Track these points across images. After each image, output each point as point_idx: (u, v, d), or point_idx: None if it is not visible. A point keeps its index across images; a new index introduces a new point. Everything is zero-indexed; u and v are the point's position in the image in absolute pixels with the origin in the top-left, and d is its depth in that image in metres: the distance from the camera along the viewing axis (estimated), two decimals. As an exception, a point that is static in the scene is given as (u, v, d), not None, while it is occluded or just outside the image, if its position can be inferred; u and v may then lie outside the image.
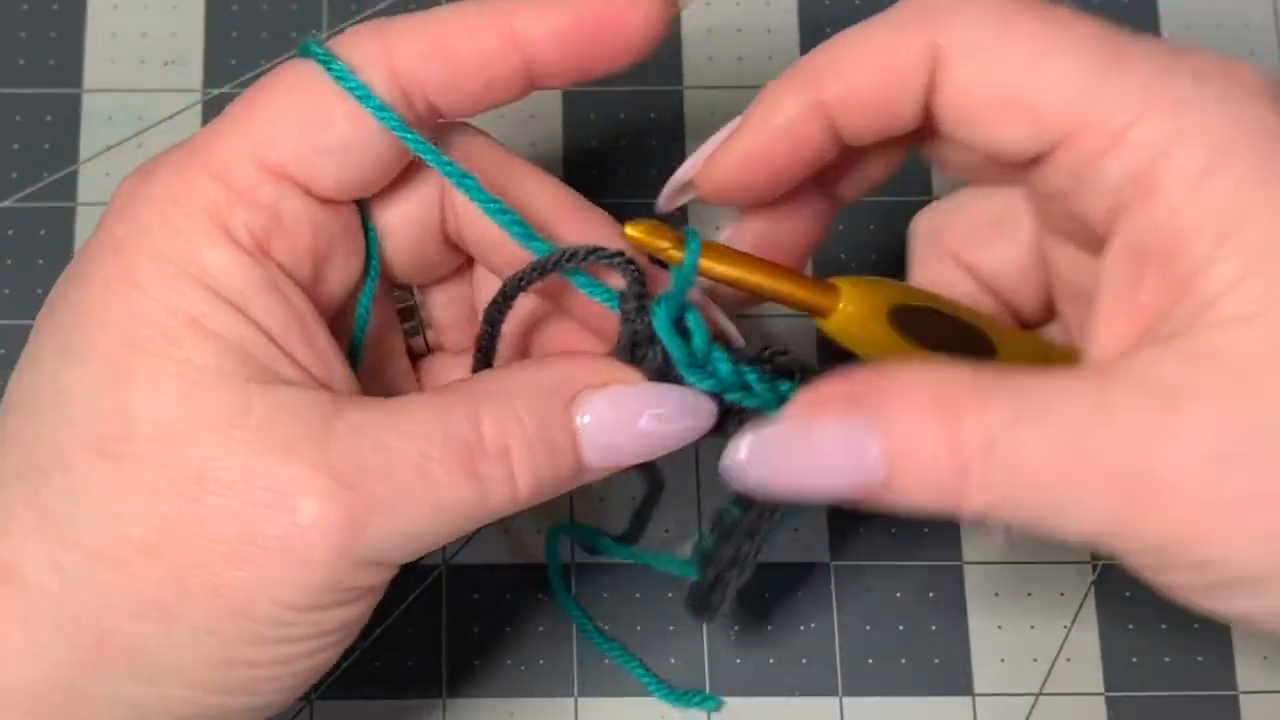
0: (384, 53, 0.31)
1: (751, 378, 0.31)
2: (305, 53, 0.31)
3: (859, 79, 0.30)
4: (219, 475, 0.29)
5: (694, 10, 0.47)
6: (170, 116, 0.46)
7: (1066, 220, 0.32)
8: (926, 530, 0.43)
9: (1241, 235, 0.28)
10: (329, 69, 0.30)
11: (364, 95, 0.30)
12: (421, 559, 0.31)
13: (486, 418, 0.30)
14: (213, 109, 0.46)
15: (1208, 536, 0.28)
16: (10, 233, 0.45)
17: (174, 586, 0.29)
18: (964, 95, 0.30)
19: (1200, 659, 0.43)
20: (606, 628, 0.43)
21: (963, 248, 0.36)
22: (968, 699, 0.42)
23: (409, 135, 0.31)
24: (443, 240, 0.34)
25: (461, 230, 0.33)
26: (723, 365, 0.31)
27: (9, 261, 0.45)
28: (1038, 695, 0.42)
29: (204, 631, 0.29)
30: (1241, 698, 0.42)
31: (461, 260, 0.36)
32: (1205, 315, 0.28)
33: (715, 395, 0.31)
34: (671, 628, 0.43)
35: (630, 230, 0.32)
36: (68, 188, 0.46)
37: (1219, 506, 0.27)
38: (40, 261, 0.45)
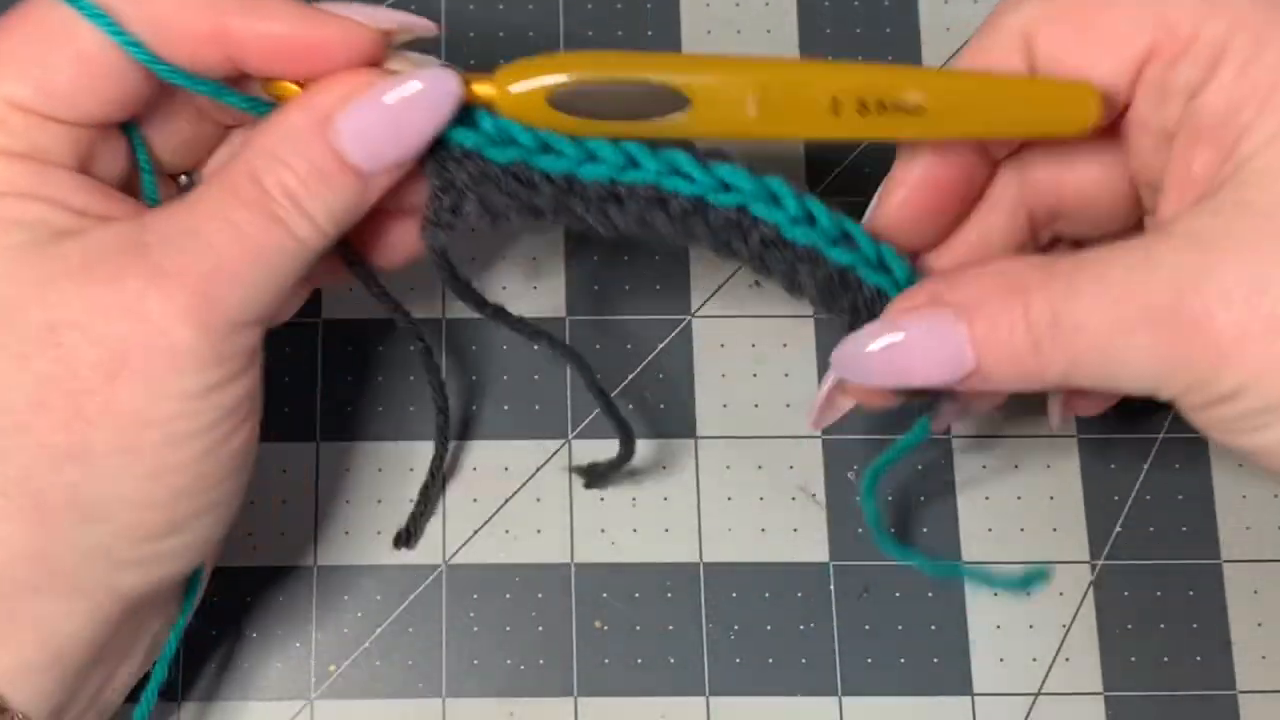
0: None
1: (853, 228, 0.36)
2: None
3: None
4: (67, 318, 0.32)
5: (694, 12, 0.48)
6: (171, 117, 0.46)
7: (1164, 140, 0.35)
8: (926, 530, 0.43)
9: (1277, 100, 0.32)
10: (76, 6, 0.33)
11: (112, 28, 0.33)
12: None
13: (264, 173, 0.33)
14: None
15: (1238, 364, 0.31)
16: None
17: (75, 425, 0.32)
18: (1059, 45, 0.34)
19: (1199, 658, 0.43)
20: (606, 628, 0.43)
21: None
22: (967, 699, 0.42)
23: (161, 66, 0.33)
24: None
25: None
26: (822, 215, 0.36)
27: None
28: (1036, 695, 0.43)
29: (121, 453, 0.32)
30: (1240, 697, 0.42)
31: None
32: (1240, 172, 0.32)
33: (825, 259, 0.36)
34: (671, 627, 0.43)
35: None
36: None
37: (1248, 336, 0.31)
38: (41, 262, 0.45)
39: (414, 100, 0.33)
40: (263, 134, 0.34)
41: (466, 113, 0.35)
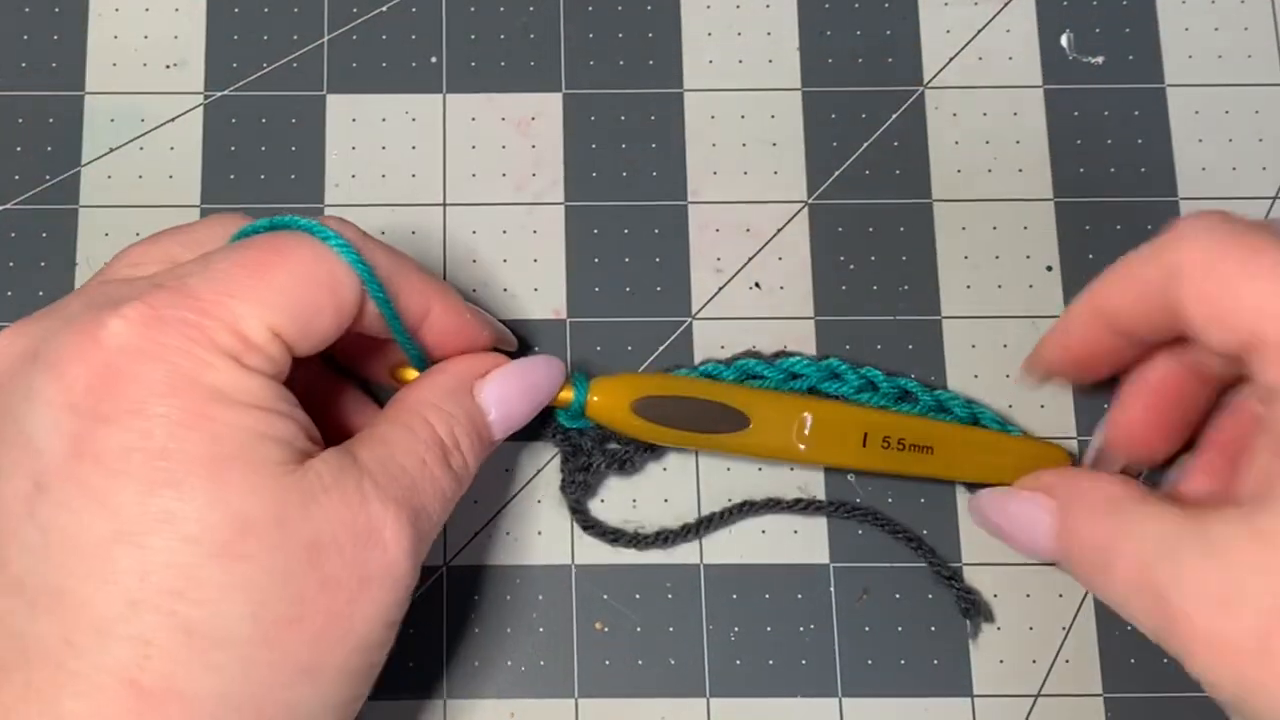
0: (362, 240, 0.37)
1: (915, 387, 0.44)
2: (306, 229, 0.36)
3: (1117, 293, 0.38)
4: (327, 538, 0.33)
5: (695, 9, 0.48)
6: (172, 119, 0.46)
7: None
8: (926, 532, 0.44)
9: None
10: (342, 252, 0.36)
11: (369, 278, 0.36)
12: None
13: (436, 422, 0.37)
14: (215, 111, 0.46)
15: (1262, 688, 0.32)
16: (12, 235, 0.45)
17: (320, 645, 0.33)
18: (1186, 305, 0.36)
19: (1199, 660, 0.43)
20: (607, 629, 0.43)
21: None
22: (966, 700, 0.42)
23: (397, 325, 0.38)
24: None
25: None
26: (882, 381, 0.44)
27: (11, 264, 0.45)
28: (1036, 697, 0.43)
29: (343, 673, 0.34)
30: (1240, 699, 0.42)
31: None
32: None
33: None
34: (671, 628, 0.43)
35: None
36: (70, 190, 0.46)
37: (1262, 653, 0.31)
38: (42, 264, 0.45)
39: (540, 370, 0.40)
40: (419, 391, 0.38)
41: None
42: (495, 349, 0.41)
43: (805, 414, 0.42)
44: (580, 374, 0.42)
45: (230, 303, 0.34)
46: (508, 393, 0.39)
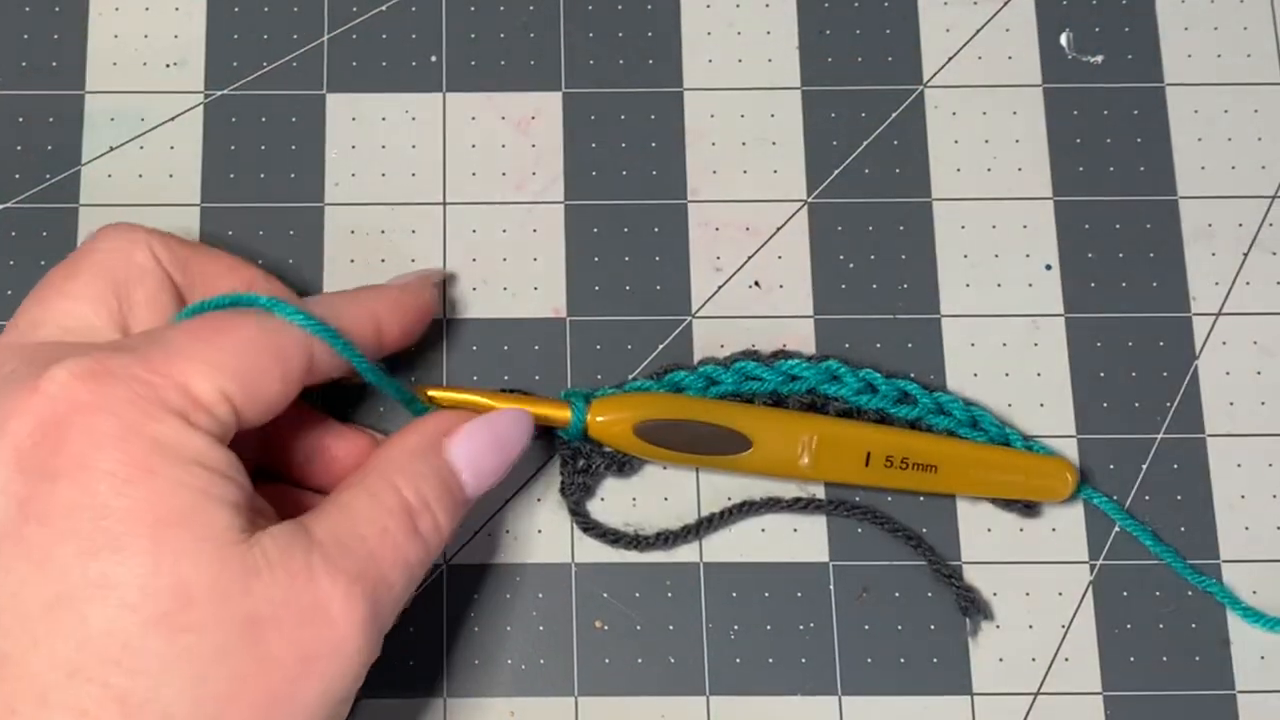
0: (307, 336, 0.37)
1: (913, 389, 0.44)
2: (249, 303, 0.36)
3: None
4: (268, 613, 0.32)
5: (695, 10, 0.48)
6: (173, 118, 0.46)
7: None
8: (925, 530, 0.44)
9: None
10: (297, 318, 0.36)
11: (334, 338, 0.37)
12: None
13: (403, 486, 0.36)
14: (215, 110, 0.46)
15: None
16: (13, 234, 0.45)
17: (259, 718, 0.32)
18: None
19: (1198, 658, 0.43)
20: (607, 628, 0.43)
21: None
22: (966, 698, 0.42)
23: (379, 377, 0.38)
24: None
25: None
26: (881, 384, 0.44)
27: (11, 262, 0.45)
28: (1036, 694, 0.43)
29: None
30: (1239, 697, 0.42)
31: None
32: None
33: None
34: (671, 626, 0.43)
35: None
36: (70, 189, 0.46)
37: None
38: (42, 263, 0.45)
39: (509, 424, 0.39)
40: (388, 453, 0.37)
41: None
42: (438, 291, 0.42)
43: (808, 435, 0.42)
44: (580, 393, 0.42)
45: (179, 362, 0.34)
46: (478, 448, 0.38)
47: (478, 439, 0.38)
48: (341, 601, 0.33)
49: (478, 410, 0.40)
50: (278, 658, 0.32)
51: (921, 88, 0.47)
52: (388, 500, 0.36)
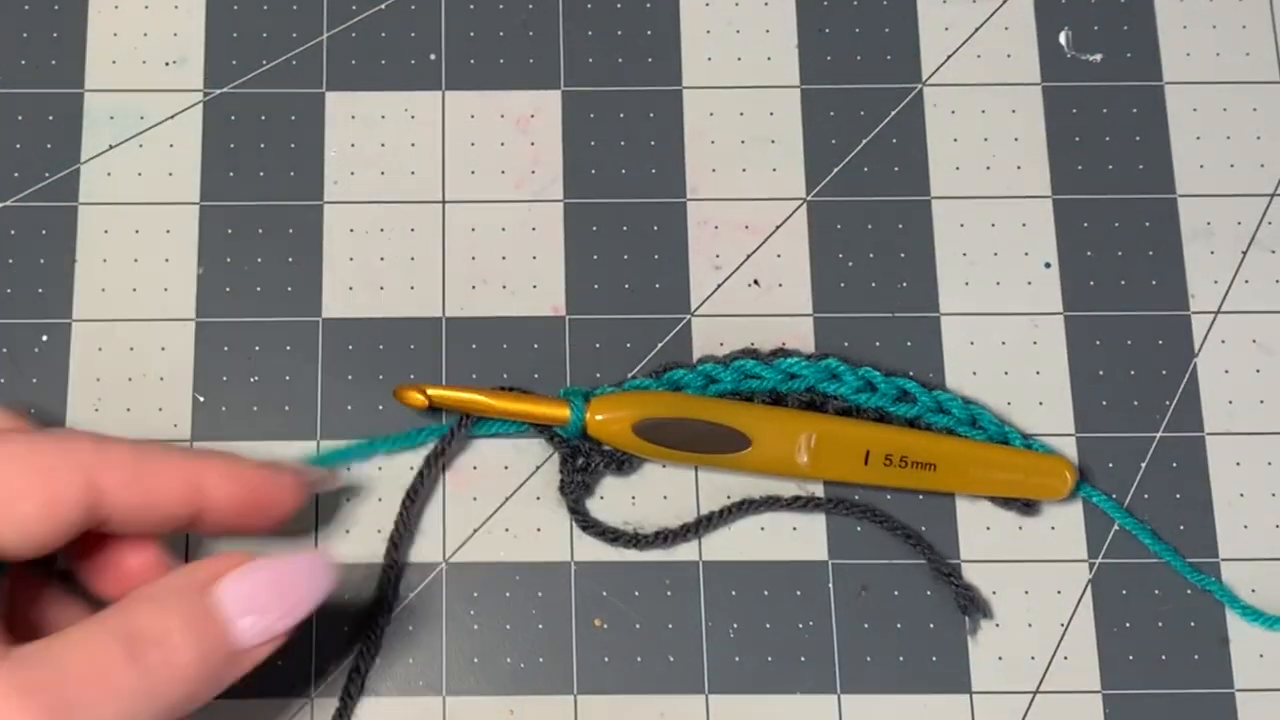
0: (93, 466, 0.36)
1: (913, 388, 0.44)
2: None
3: None
4: None
5: (696, 18, 0.48)
6: (172, 116, 0.46)
7: None
8: (924, 529, 0.44)
9: None
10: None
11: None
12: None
13: (140, 614, 0.35)
14: (214, 109, 0.46)
15: None
16: (12, 232, 0.45)
17: None
18: None
19: (1197, 657, 0.43)
20: (606, 626, 0.43)
21: None
22: (965, 697, 0.42)
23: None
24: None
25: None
26: (880, 382, 0.44)
27: (10, 261, 0.45)
28: (1035, 693, 0.43)
29: None
30: (1238, 695, 0.43)
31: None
32: None
33: None
34: (670, 625, 0.43)
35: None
36: (69, 187, 0.46)
37: None
38: (41, 261, 0.45)
39: (298, 570, 0.37)
40: (143, 588, 0.36)
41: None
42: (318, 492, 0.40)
43: (807, 434, 0.42)
44: (579, 392, 0.42)
45: None
46: (253, 591, 0.36)
47: (252, 581, 0.36)
48: (14, 714, 0.32)
49: (475, 409, 0.41)
50: None
51: (920, 86, 0.47)
52: (111, 625, 0.34)
